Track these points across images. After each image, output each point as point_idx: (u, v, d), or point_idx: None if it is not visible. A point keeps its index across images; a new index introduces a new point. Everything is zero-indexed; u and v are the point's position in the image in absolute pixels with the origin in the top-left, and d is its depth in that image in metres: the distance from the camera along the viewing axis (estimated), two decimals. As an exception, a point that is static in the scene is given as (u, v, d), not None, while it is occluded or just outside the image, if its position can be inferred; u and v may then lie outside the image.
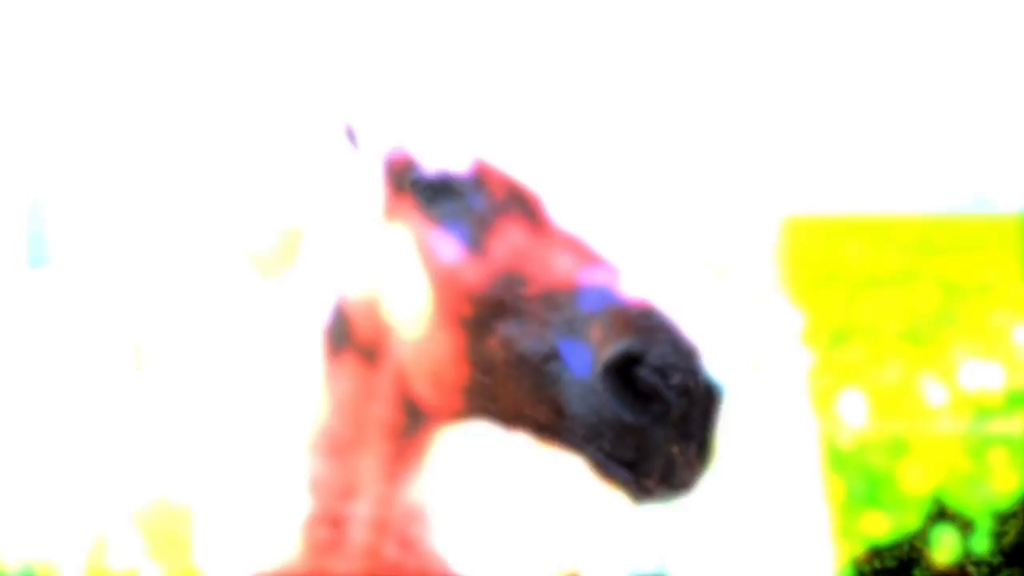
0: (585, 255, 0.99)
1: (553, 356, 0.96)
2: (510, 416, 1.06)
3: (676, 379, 0.88)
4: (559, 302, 0.97)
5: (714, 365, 0.92)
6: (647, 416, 0.89)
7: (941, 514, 3.94)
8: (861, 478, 4.46)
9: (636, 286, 0.95)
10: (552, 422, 0.99)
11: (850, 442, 4.65)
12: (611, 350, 0.90)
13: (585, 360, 0.94)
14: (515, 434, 1.09)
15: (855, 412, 4.91)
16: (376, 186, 1.19)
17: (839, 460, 4.68)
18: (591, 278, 0.96)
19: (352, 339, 1.25)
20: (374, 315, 1.21)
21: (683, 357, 0.89)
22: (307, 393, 1.37)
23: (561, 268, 0.98)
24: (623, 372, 0.90)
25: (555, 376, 0.96)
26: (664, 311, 0.92)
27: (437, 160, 1.11)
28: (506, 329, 1.01)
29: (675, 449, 0.90)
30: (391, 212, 1.17)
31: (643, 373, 0.89)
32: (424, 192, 1.11)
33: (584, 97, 1.30)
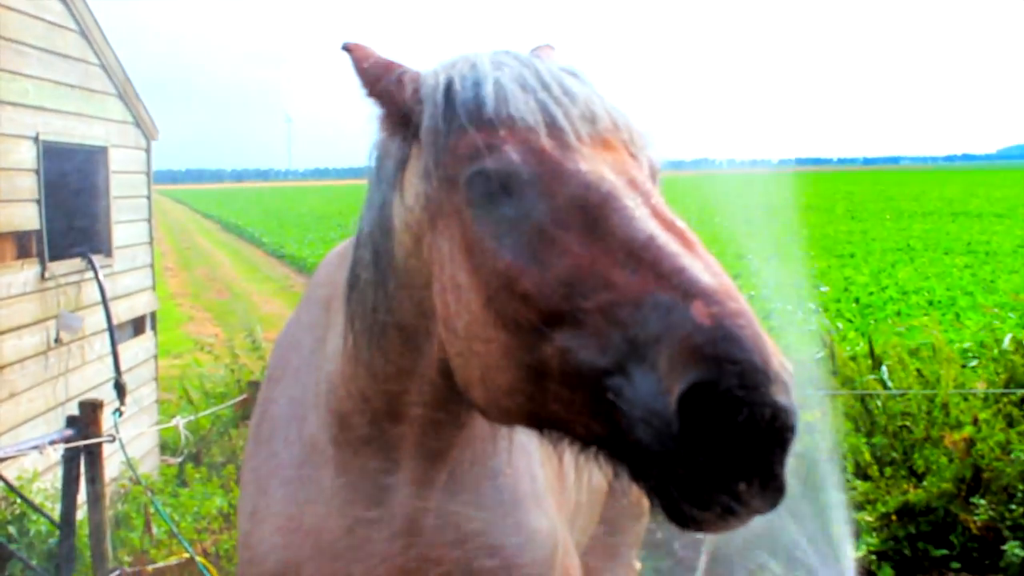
0: (652, 267, 0.94)
1: (613, 372, 0.94)
2: (560, 425, 1.04)
3: (743, 415, 0.85)
4: (621, 318, 0.93)
5: (790, 383, 0.88)
6: (714, 451, 0.86)
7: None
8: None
9: (710, 296, 0.91)
10: (606, 437, 0.97)
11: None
12: (680, 383, 0.87)
13: (650, 384, 0.90)
14: (562, 444, 1.06)
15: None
16: (424, 177, 1.14)
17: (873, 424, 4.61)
18: (656, 294, 0.92)
19: (395, 318, 1.24)
20: (420, 301, 1.20)
21: (752, 389, 0.85)
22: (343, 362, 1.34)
23: (623, 283, 0.95)
24: (692, 405, 0.87)
25: (614, 392, 0.94)
26: (738, 327, 0.88)
27: (497, 156, 1.05)
28: (563, 339, 0.98)
29: (741, 485, 0.87)
30: (438, 206, 1.12)
31: (712, 408, 0.86)
32: (481, 190, 1.06)
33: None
